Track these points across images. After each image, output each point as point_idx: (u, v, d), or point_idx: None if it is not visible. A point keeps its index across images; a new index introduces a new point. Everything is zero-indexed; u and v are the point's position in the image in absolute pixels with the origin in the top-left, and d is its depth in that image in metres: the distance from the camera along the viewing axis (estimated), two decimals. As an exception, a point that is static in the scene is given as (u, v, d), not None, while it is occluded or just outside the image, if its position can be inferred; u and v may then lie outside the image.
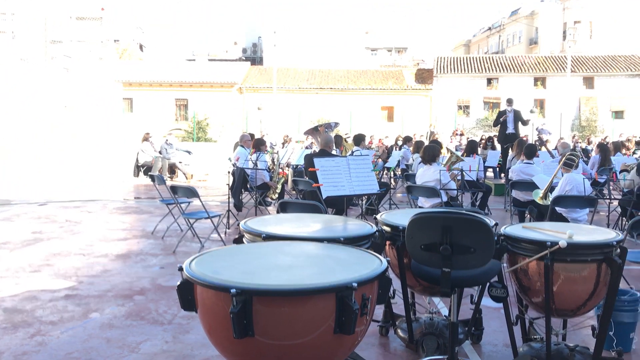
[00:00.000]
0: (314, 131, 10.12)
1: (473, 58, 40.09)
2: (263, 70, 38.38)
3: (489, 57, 40.31)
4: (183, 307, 2.22)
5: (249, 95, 34.89)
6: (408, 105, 34.93)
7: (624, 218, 7.86)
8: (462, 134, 24.87)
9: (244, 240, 3.06)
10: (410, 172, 10.51)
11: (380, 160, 12.86)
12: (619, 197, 8.37)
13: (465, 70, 36.23)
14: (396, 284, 3.41)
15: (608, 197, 7.34)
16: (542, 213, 7.15)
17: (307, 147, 14.94)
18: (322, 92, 35.02)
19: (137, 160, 15.69)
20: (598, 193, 8.53)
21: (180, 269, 2.22)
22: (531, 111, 28.48)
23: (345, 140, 12.58)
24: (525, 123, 14.18)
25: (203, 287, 2.11)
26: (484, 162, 11.98)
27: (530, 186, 7.46)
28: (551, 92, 34.78)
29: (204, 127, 32.69)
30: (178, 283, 2.20)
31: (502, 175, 14.12)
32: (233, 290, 1.95)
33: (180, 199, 7.20)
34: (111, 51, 46.09)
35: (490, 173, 15.31)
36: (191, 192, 6.74)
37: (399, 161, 12.71)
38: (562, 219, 6.46)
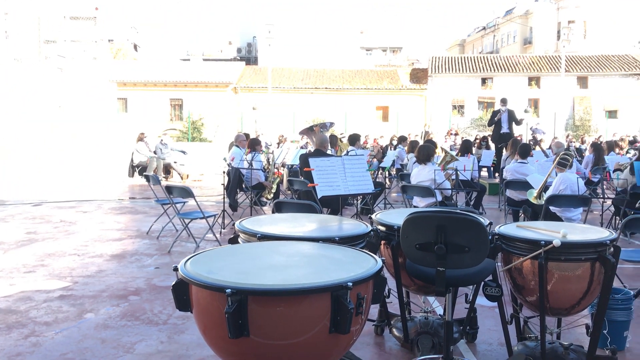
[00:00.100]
0: (309, 131, 10.13)
1: (467, 58, 40.17)
2: (258, 70, 38.34)
3: (484, 57, 40.40)
4: (178, 307, 2.22)
5: (243, 95, 34.86)
6: (403, 105, 34.96)
7: (617, 217, 7.89)
8: (456, 134, 24.93)
9: (239, 240, 3.07)
10: (405, 171, 10.53)
11: (375, 160, 12.84)
12: (613, 196, 8.40)
13: (459, 70, 36.29)
14: (391, 283, 3.42)
15: (602, 196, 7.37)
16: (537, 212, 7.17)
17: (302, 147, 14.93)
18: (317, 91, 35.03)
19: (132, 160, 15.65)
20: (592, 192, 8.56)
21: (175, 269, 2.22)
22: (525, 111, 28.52)
23: (341, 140, 12.58)
24: (518, 123, 14.22)
25: (198, 287, 2.11)
26: (479, 161, 12.01)
27: (525, 185, 7.48)
28: (545, 91, 34.90)
29: (198, 127, 32.62)
30: (173, 283, 2.20)
31: (497, 174, 14.16)
32: (228, 290, 1.95)
33: (176, 199, 7.19)
34: (105, 51, 45.94)
35: (484, 172, 15.35)
36: (186, 192, 6.73)
37: (393, 161, 12.72)
38: (556, 218, 6.49)
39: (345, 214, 7.69)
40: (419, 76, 37.05)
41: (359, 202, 9.07)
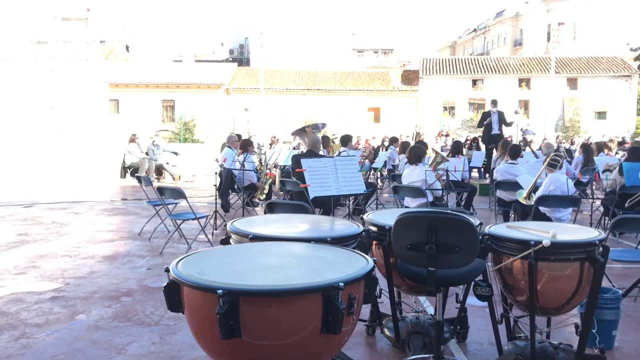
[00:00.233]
0: (301, 132, 10.14)
1: (458, 59, 40.32)
2: (250, 71, 38.31)
3: (474, 59, 40.56)
4: (170, 308, 2.22)
5: (236, 96, 34.82)
6: (394, 106, 35.07)
7: (606, 217, 7.95)
8: (447, 135, 25.02)
9: (231, 241, 3.07)
10: (396, 172, 10.55)
11: (367, 160, 12.88)
12: (602, 196, 8.48)
13: (450, 72, 36.43)
14: (382, 283, 3.44)
15: (591, 196, 7.43)
16: (526, 212, 7.22)
17: (294, 148, 14.95)
18: (309, 93, 35.06)
19: (123, 161, 15.60)
20: (581, 193, 8.63)
21: (167, 270, 2.23)
22: (516, 112, 28.71)
23: (333, 141, 12.61)
24: (507, 125, 14.29)
25: (190, 288, 2.11)
26: (469, 162, 12.06)
27: (515, 186, 7.53)
28: (535, 93, 35.10)
29: (190, 128, 32.58)
30: (165, 284, 2.21)
31: (487, 175, 14.22)
32: (220, 291, 1.96)
33: (167, 200, 7.18)
34: (97, 52, 45.73)
35: (475, 173, 15.41)
36: (178, 193, 6.72)
37: (385, 162, 12.75)
38: (545, 218, 6.53)
39: (337, 214, 7.70)
40: (410, 78, 37.16)
41: (351, 202, 9.09)
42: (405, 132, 25.48)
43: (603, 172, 9.42)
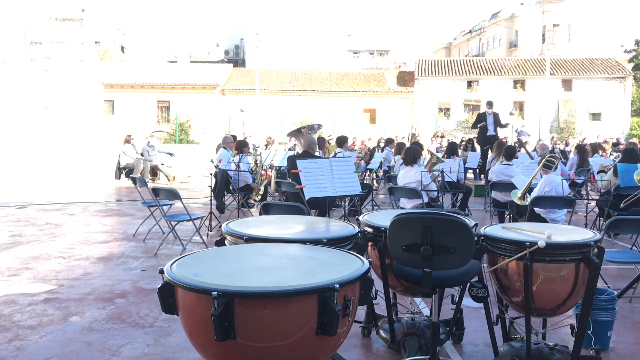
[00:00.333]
0: (297, 133, 10.13)
1: (454, 61, 40.41)
2: (245, 72, 38.28)
3: (470, 60, 40.65)
4: (164, 310, 2.21)
5: (231, 97, 34.78)
6: (390, 108, 35.10)
7: (601, 218, 7.97)
8: (442, 136, 25.05)
9: (226, 242, 3.06)
10: (392, 173, 10.56)
11: (362, 161, 12.89)
12: (597, 197, 8.49)
13: (446, 73, 36.50)
14: (378, 284, 3.43)
15: (586, 197, 7.45)
16: (520, 212, 7.24)
17: (290, 149, 14.94)
18: (304, 94, 35.05)
19: (118, 162, 15.55)
20: (576, 194, 8.64)
21: (162, 272, 2.22)
22: (511, 113, 28.80)
23: (328, 142, 12.60)
24: (502, 126, 14.31)
25: (184, 289, 2.10)
26: (464, 163, 12.07)
27: (510, 187, 7.54)
28: (530, 94, 35.20)
29: (186, 129, 32.51)
30: (159, 286, 2.19)
31: (482, 176, 14.24)
32: (214, 293, 1.95)
33: (162, 201, 7.16)
34: (92, 53, 45.65)
35: (470, 174, 15.44)
36: (173, 194, 6.70)
37: (381, 163, 12.77)
38: (540, 219, 6.54)
39: (332, 215, 7.70)
40: (405, 79, 37.21)
41: (347, 203, 9.09)
42: (400, 133, 25.52)
43: (598, 173, 9.45)
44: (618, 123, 34.30)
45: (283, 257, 2.52)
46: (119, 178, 15.44)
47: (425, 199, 7.18)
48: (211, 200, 8.66)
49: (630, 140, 22.71)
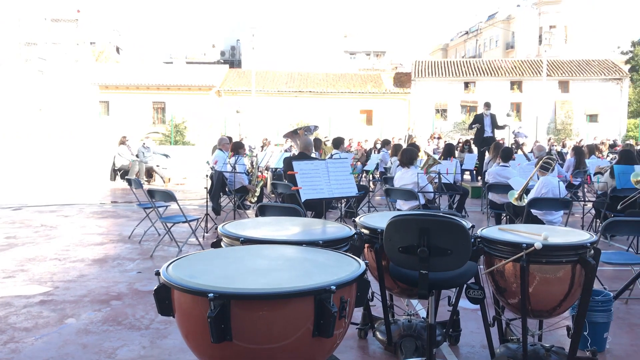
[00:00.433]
0: (293, 134, 10.11)
1: (450, 62, 40.48)
2: (241, 73, 38.25)
3: (466, 61, 40.73)
4: (160, 312, 2.20)
5: (227, 99, 34.75)
6: (386, 109, 35.12)
7: (597, 220, 7.99)
8: (439, 137, 25.06)
9: (222, 244, 3.05)
10: (388, 175, 10.56)
11: (359, 163, 12.88)
12: (593, 199, 8.51)
13: (442, 74, 36.55)
14: (375, 286, 3.42)
15: (582, 199, 7.46)
16: (517, 213, 7.24)
17: (286, 150, 14.93)
18: (301, 95, 35.05)
19: (113, 164, 15.53)
20: (573, 195, 8.66)
21: (158, 274, 2.21)
22: (508, 115, 28.84)
23: (325, 144, 12.60)
24: (499, 128, 14.34)
25: (180, 291, 2.09)
26: (461, 165, 12.08)
27: (507, 189, 7.54)
28: (527, 95, 35.27)
29: (181, 130, 32.47)
30: (155, 288, 2.19)
31: (479, 178, 14.25)
32: (211, 295, 1.94)
33: (158, 203, 7.14)
34: (87, 53, 45.56)
35: (467, 176, 15.46)
36: (169, 196, 6.69)
37: (377, 164, 12.76)
38: (537, 221, 6.54)
39: (329, 217, 7.69)
40: (402, 80, 37.24)
41: (343, 205, 9.08)
42: (397, 135, 25.53)
43: (594, 174, 9.47)
44: (615, 124, 34.40)
45: (279, 258, 2.51)
46: (114, 180, 15.41)
47: (422, 201, 7.17)
48: (207, 201, 8.65)
49: (627, 142, 22.79)
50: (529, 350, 3.45)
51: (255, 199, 9.53)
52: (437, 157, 9.70)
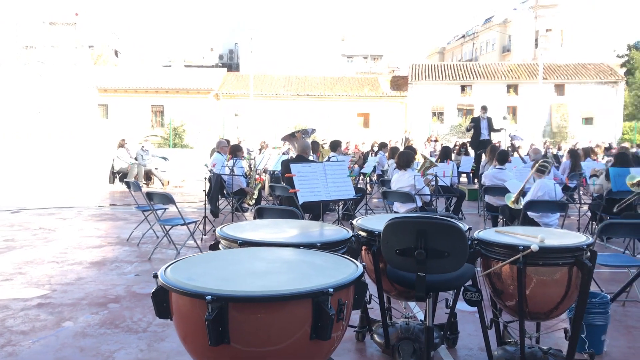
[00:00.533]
0: (291, 137, 10.11)
1: (447, 65, 40.53)
2: (240, 77, 38.26)
3: (463, 65, 40.79)
4: (158, 314, 2.20)
5: (225, 102, 34.75)
6: (383, 112, 35.16)
7: (593, 222, 8.01)
8: (436, 140, 25.09)
9: (220, 246, 3.06)
10: (385, 177, 10.57)
11: (356, 166, 12.91)
12: (589, 201, 8.53)
13: (439, 78, 36.60)
14: (372, 289, 3.44)
15: (578, 201, 7.47)
16: (513, 216, 7.26)
17: (284, 153, 14.94)
18: (298, 98, 35.07)
19: (112, 166, 15.51)
20: (569, 198, 8.68)
21: (155, 276, 2.21)
22: (504, 118, 28.87)
23: (322, 147, 12.61)
24: (496, 131, 14.36)
25: (178, 294, 2.10)
26: (458, 167, 12.10)
27: (503, 191, 7.56)
28: (523, 99, 35.33)
29: (180, 133, 32.46)
30: (153, 290, 2.19)
31: (476, 180, 14.27)
32: (208, 297, 1.94)
33: (156, 206, 7.14)
34: (86, 57, 45.53)
35: (464, 178, 15.47)
36: (167, 199, 6.69)
37: (374, 167, 12.78)
38: (534, 223, 6.56)
39: (326, 219, 7.69)
40: (399, 83, 37.30)
41: (340, 207, 9.08)
42: (394, 138, 25.57)
43: (590, 177, 9.49)
44: (610, 127, 34.47)
45: (277, 261, 2.52)
46: (113, 182, 15.39)
47: (419, 203, 7.19)
48: (205, 204, 8.65)
49: (623, 145, 22.83)
50: (527, 353, 3.45)
51: (253, 201, 9.53)
52: (433, 159, 9.74)
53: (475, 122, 14.04)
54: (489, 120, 13.97)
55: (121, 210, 10.87)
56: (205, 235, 8.04)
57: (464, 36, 64.49)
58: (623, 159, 8.01)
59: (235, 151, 9.78)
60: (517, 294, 3.20)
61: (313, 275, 2.29)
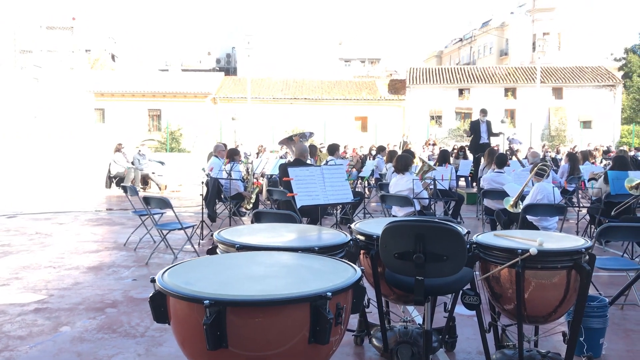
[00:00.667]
0: (288, 141, 10.13)
1: (445, 69, 40.60)
2: (237, 81, 38.29)
3: (461, 68, 40.86)
4: (156, 319, 2.19)
5: (223, 106, 34.75)
6: (381, 116, 35.18)
7: (592, 225, 8.00)
8: (434, 144, 25.12)
9: (217, 251, 3.05)
10: (383, 181, 10.57)
11: (354, 169, 12.90)
12: (588, 205, 8.53)
13: (437, 81, 36.66)
14: (370, 292, 3.42)
15: (577, 205, 7.48)
16: (512, 220, 7.26)
17: (281, 157, 14.94)
18: (296, 102, 35.09)
19: (109, 171, 15.49)
20: (567, 201, 8.68)
21: (153, 281, 2.20)
22: (502, 121, 28.92)
23: (320, 150, 12.62)
24: (494, 135, 14.37)
25: (176, 298, 2.09)
26: (456, 171, 12.11)
27: (502, 195, 7.57)
28: (521, 102, 35.38)
29: (177, 137, 32.42)
30: (151, 295, 2.18)
31: (474, 184, 14.28)
32: (206, 302, 1.94)
33: (153, 210, 7.12)
34: (82, 61, 45.53)
35: (462, 182, 15.48)
36: (164, 203, 6.67)
37: (372, 170, 12.78)
38: (533, 227, 6.56)
39: (324, 223, 7.68)
40: (397, 87, 37.35)
41: (339, 211, 9.08)
42: (392, 141, 25.57)
43: (589, 180, 9.50)
44: (608, 131, 34.55)
45: (275, 265, 2.51)
46: (110, 187, 15.37)
47: (417, 207, 7.18)
48: (203, 208, 8.63)
49: (621, 148, 22.90)
50: (525, 356, 3.45)
51: (251, 205, 9.52)
52: (432, 163, 9.73)
53: (475, 125, 14.05)
54: (488, 124, 13.99)
55: (118, 214, 10.85)
56: (202, 239, 8.03)
57: (461, 40, 64.66)
58: (621, 162, 8.02)
59: (232, 155, 9.77)
60: (516, 297, 3.20)
61: (311, 279, 2.28)
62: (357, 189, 11.69)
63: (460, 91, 36.37)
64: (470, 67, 42.88)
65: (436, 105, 35.84)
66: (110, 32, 55.19)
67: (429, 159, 15.60)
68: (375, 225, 3.69)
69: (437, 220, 3.01)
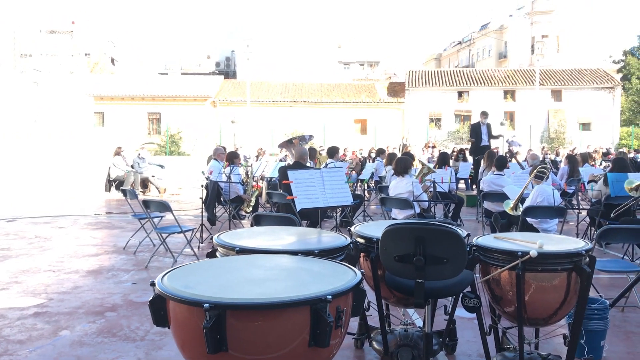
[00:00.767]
0: (288, 144, 10.12)
1: (444, 72, 40.66)
2: (236, 84, 38.32)
3: (460, 71, 40.92)
4: (155, 322, 2.19)
5: (222, 109, 34.78)
6: (381, 118, 35.22)
7: (592, 228, 8.00)
8: (434, 146, 25.16)
9: (217, 254, 3.04)
10: (383, 184, 10.57)
11: (353, 172, 12.89)
12: (588, 207, 8.52)
13: (436, 84, 36.70)
14: (370, 295, 3.42)
15: (577, 207, 7.47)
16: (511, 222, 7.25)
17: (281, 160, 14.94)
18: (295, 105, 35.13)
19: (108, 174, 15.49)
20: (567, 203, 8.68)
21: (153, 284, 2.20)
22: (501, 123, 28.93)
23: (320, 153, 12.62)
24: (494, 137, 14.38)
25: (176, 302, 2.08)
26: (456, 173, 12.11)
27: (501, 197, 7.56)
28: (521, 104, 35.43)
29: (177, 140, 32.44)
30: (150, 298, 2.17)
31: (474, 186, 14.27)
32: (206, 305, 1.93)
33: (153, 214, 7.11)
34: (82, 65, 45.57)
35: (462, 184, 15.48)
36: (164, 207, 6.66)
37: (372, 173, 12.77)
38: (532, 229, 6.55)
39: (324, 226, 7.68)
40: (396, 90, 37.39)
41: (338, 214, 9.07)
42: (391, 144, 25.61)
43: (588, 182, 9.50)
44: (608, 133, 34.59)
45: (275, 268, 2.50)
46: (109, 190, 15.37)
47: (417, 210, 7.18)
48: (202, 212, 8.63)
49: (620, 150, 22.91)
50: (526, 359, 3.44)
51: (251, 208, 9.51)
52: (431, 166, 9.73)
53: (476, 128, 14.05)
54: (489, 127, 13.99)
55: (117, 218, 10.84)
56: (202, 243, 8.02)
57: (460, 42, 64.75)
58: (621, 164, 8.02)
59: (232, 158, 9.77)
60: (516, 300, 3.19)
61: (311, 282, 2.27)
62: (356, 192, 11.68)
63: (460, 94, 36.41)
64: (469, 69, 42.93)
65: (435, 107, 35.88)
66: (109, 36, 55.28)
67: (429, 162, 15.60)
68: (375, 228, 3.69)
69: (437, 222, 3.01)
